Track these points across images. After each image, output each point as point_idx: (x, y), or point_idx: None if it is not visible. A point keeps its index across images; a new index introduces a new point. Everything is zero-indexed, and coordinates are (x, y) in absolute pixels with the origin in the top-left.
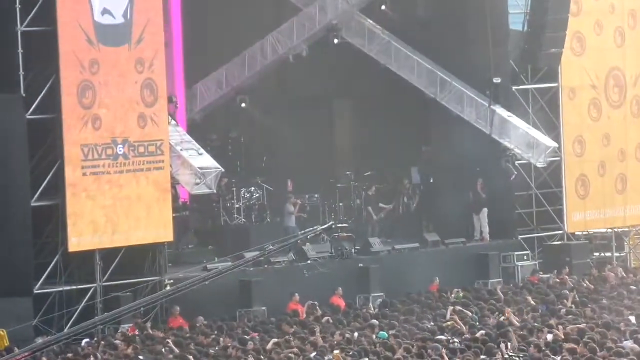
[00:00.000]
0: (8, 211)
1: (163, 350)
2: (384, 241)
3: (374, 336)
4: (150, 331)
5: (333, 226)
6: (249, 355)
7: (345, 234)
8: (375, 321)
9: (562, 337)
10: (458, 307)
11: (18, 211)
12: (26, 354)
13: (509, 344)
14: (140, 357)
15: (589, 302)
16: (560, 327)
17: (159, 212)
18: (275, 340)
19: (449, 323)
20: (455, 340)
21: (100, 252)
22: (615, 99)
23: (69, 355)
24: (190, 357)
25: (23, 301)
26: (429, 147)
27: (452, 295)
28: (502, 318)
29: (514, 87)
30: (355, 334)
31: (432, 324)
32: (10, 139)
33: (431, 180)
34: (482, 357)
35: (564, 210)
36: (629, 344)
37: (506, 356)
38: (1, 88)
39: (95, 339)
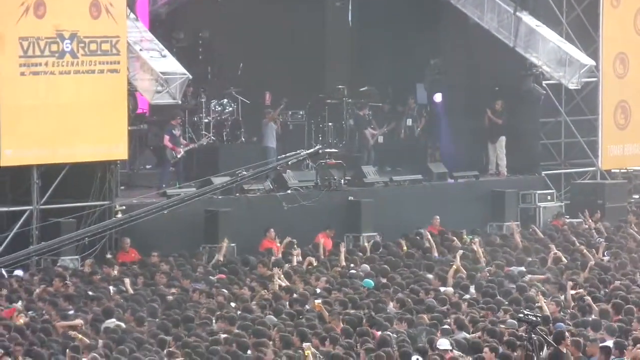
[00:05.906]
0: None
1: (112, 289)
2: (381, 171)
3: (360, 283)
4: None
5: (320, 151)
6: (215, 300)
7: (334, 161)
8: (366, 265)
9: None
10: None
11: None
12: None
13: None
14: (90, 292)
15: (623, 253)
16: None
17: (111, 124)
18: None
19: (452, 271)
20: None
21: (38, 168)
22: None
23: None
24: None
25: None
26: (439, 60)
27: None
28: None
29: None
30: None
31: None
32: None
33: (440, 100)
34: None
35: (599, 143)
36: None
37: (520, 315)
38: None
39: (30, 271)
